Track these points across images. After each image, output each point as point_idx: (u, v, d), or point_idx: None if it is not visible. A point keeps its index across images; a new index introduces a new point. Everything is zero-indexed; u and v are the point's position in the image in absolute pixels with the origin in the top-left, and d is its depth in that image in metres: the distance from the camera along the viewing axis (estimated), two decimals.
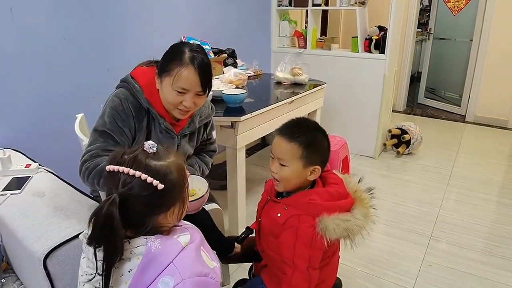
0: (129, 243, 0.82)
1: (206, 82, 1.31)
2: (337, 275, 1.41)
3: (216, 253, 1.61)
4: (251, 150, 3.82)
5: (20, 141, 1.92)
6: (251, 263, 1.55)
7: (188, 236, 0.89)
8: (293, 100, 2.49)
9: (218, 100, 2.25)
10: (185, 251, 0.85)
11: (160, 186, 0.81)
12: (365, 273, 2.03)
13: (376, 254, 2.18)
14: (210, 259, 0.92)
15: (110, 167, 0.83)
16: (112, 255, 0.78)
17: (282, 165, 1.18)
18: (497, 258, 2.15)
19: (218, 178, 2.83)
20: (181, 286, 0.79)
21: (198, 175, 1.50)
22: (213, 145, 1.72)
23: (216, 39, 3.08)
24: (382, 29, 3.24)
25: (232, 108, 2.14)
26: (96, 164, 1.27)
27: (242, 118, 2.00)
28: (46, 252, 1.12)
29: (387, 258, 2.15)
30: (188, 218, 1.29)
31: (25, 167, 1.66)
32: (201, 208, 1.34)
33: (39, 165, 1.67)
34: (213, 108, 1.62)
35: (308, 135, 1.17)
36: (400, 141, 3.64)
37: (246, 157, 3.69)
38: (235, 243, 1.59)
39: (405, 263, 2.11)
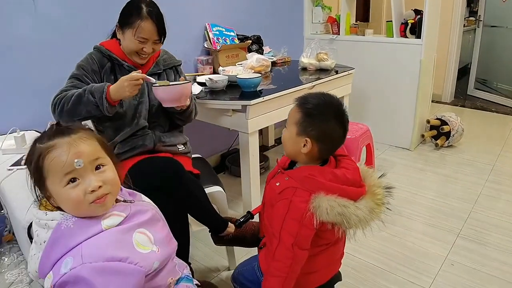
0: (46, 214, 0.82)
1: (162, 31, 1.58)
2: (339, 270, 1.33)
3: (209, 231, 1.60)
4: (281, 140, 3.75)
5: (43, 123, 2.00)
6: None
7: (119, 218, 0.85)
8: (314, 86, 2.40)
9: (234, 85, 2.22)
10: (102, 234, 0.81)
11: (22, 162, 0.89)
12: (378, 268, 1.92)
13: (395, 249, 2.05)
14: (151, 242, 0.88)
15: None
16: None
17: (286, 127, 1.20)
18: None
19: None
20: (77, 269, 0.75)
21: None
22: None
23: (244, 27, 3.04)
24: (418, 12, 3.02)
25: (246, 93, 2.10)
26: (65, 94, 1.48)
27: (253, 102, 1.94)
28: (31, 221, 1.16)
29: (406, 254, 2.02)
30: (182, 191, 1.42)
31: None
32: (181, 101, 1.54)
33: None
34: (180, 60, 1.81)
35: (314, 106, 1.13)
36: (439, 132, 3.41)
37: (274, 145, 3.66)
38: (229, 224, 1.57)
39: (425, 260, 1.97)
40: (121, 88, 1.42)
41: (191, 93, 1.71)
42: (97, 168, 0.85)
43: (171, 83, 1.56)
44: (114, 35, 1.67)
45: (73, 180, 0.80)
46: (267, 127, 3.52)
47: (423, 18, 2.94)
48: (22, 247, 1.44)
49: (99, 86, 1.45)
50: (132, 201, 0.97)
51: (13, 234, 1.50)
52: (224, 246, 1.86)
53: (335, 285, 1.34)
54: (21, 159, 1.60)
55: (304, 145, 1.13)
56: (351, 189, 1.09)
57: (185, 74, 1.87)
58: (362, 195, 1.10)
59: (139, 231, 0.87)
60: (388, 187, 1.16)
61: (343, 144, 1.18)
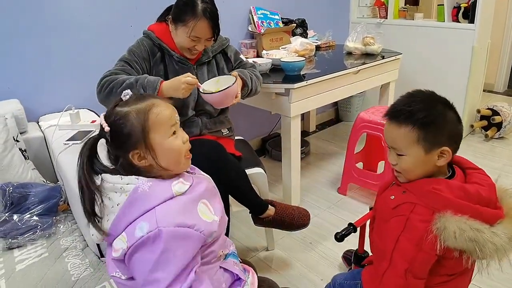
0: (121, 179, 0.86)
1: (215, 29, 1.56)
2: None
3: (249, 212, 1.64)
4: (322, 126, 3.73)
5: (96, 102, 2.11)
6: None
7: (185, 186, 0.90)
8: (358, 70, 2.35)
9: (278, 69, 2.22)
10: (173, 200, 0.86)
11: (107, 129, 0.87)
12: None
13: None
14: (212, 213, 0.93)
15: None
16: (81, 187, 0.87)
17: (400, 155, 0.98)
18: None
19: None
20: (154, 233, 0.81)
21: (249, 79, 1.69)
22: (248, 64, 1.85)
23: (289, 10, 3.01)
24: None
25: (290, 76, 2.10)
26: (115, 78, 1.48)
27: (296, 85, 1.94)
28: None
29: None
30: (225, 175, 1.43)
31: (91, 122, 1.84)
32: (228, 102, 1.54)
33: None
34: (227, 38, 1.80)
35: (422, 111, 0.94)
36: (490, 123, 3.25)
37: (316, 131, 3.64)
38: (269, 207, 1.59)
39: None
40: (177, 88, 1.43)
41: (254, 71, 1.78)
42: None
43: (216, 90, 1.51)
44: (163, 17, 1.67)
45: (174, 132, 0.92)
46: (309, 112, 3.50)
47: (477, 2, 2.78)
48: (76, 216, 1.54)
49: (152, 81, 1.45)
50: (194, 173, 1.01)
51: (68, 204, 1.60)
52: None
53: None
54: (76, 134, 1.71)
55: (439, 157, 0.96)
56: (486, 210, 0.91)
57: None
58: (499, 219, 0.91)
59: (203, 202, 0.92)
60: None
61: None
